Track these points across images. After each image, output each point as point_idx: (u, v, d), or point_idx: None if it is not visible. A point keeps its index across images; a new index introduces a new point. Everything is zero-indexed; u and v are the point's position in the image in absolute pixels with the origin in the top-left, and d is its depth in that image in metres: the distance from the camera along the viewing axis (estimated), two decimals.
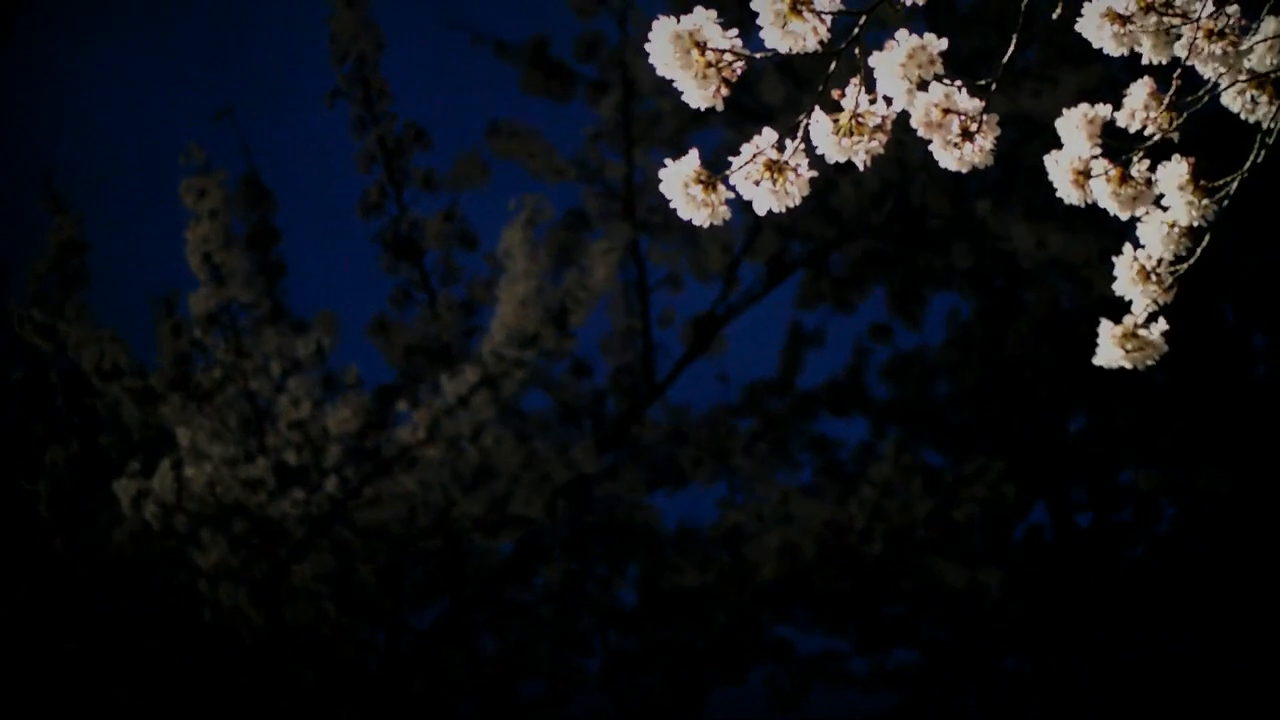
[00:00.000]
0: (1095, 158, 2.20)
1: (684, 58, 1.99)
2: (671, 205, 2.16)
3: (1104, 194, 2.21)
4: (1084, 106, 2.21)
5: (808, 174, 2.10)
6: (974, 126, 2.13)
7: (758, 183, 2.09)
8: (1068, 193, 2.22)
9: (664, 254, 10.82)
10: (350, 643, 8.97)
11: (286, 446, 8.80)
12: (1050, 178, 2.21)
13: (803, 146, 2.10)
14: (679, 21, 1.99)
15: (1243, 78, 2.14)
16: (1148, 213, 2.23)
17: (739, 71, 2.04)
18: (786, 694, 10.50)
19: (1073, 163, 2.21)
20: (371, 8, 10.42)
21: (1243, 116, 2.18)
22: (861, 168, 2.12)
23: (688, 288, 10.87)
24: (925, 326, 11.21)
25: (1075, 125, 2.21)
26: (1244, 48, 2.11)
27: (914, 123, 2.11)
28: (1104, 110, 2.21)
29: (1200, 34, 2.11)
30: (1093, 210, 2.24)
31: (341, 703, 8.98)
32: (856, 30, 2.03)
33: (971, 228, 10.13)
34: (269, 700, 8.98)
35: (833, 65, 2.04)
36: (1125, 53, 2.15)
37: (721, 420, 10.86)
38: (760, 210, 2.12)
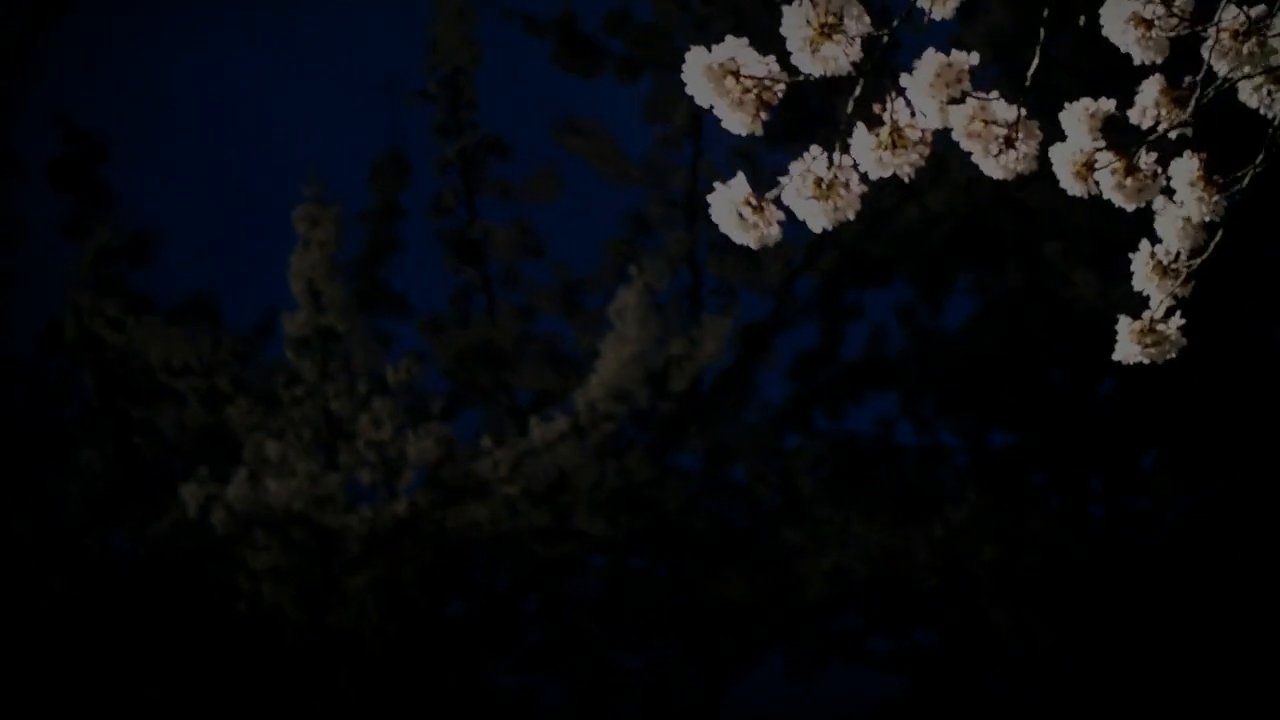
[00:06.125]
0: (1100, 150, 2.20)
1: (719, 86, 1.98)
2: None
3: (1109, 186, 2.20)
4: (1085, 100, 2.19)
5: (858, 189, 2.09)
6: (1014, 134, 2.14)
7: (810, 199, 2.09)
8: (1070, 185, 2.20)
9: (720, 265, 10.71)
10: (387, 642, 9.04)
11: (360, 465, 8.87)
12: (1054, 169, 2.21)
13: (851, 162, 2.09)
14: (710, 52, 1.96)
15: (1259, 72, 2.12)
16: (1154, 204, 2.22)
17: (779, 95, 2.03)
18: (804, 665, 10.40)
19: (1075, 155, 2.20)
20: (479, 23, 10.44)
21: (1261, 111, 2.16)
22: (906, 180, 2.12)
23: (741, 298, 10.73)
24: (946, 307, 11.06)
25: (1077, 119, 2.21)
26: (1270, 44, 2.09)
27: (954, 135, 2.12)
28: (1106, 104, 2.20)
29: (1225, 34, 2.10)
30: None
31: (371, 699, 9.03)
32: (886, 41, 2.03)
33: (1031, 254, 9.98)
34: (301, 696, 9.05)
35: (859, 86, 2.03)
36: (1153, 58, 2.13)
37: (774, 433, 10.72)
38: (815, 228, 2.12)
